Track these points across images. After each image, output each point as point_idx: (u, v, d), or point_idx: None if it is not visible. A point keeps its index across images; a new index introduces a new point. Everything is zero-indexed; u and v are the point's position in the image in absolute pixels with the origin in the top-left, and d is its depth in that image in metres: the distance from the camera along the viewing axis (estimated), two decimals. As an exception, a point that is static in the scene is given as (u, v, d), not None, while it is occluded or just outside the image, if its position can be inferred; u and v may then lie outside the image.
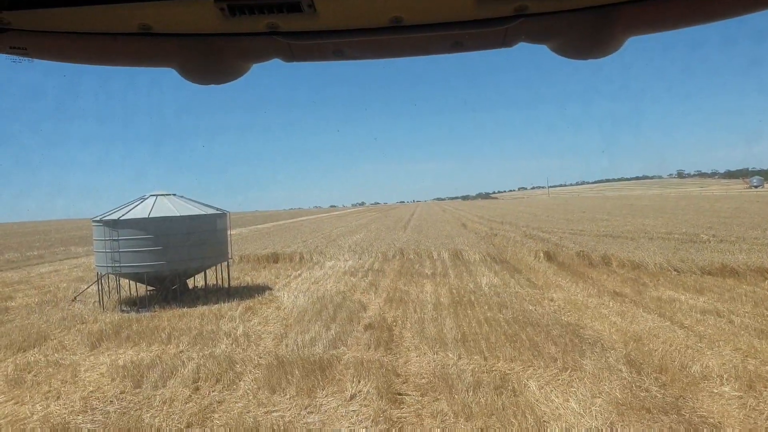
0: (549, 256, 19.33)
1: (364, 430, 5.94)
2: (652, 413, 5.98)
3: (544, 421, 5.92)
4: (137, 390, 7.52)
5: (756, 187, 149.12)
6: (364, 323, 10.71)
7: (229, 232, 15.75)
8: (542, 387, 6.90)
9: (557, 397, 6.57)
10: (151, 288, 15.05)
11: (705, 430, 5.56)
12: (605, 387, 6.80)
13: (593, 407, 6.20)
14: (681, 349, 8.13)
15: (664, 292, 12.60)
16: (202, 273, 15.92)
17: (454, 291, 13.87)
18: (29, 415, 6.76)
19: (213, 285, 16.10)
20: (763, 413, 5.83)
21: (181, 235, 13.97)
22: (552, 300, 12.34)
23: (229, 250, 15.88)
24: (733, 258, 15.39)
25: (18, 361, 9.08)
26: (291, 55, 0.95)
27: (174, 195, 15.19)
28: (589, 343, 8.69)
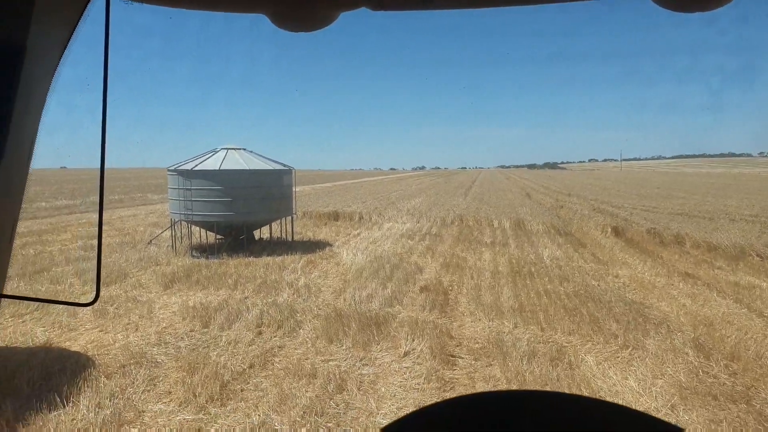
0: (617, 232, 18.63)
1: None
2: (719, 400, 5.74)
3: (600, 396, 5.81)
4: (205, 330, 7.97)
5: None
6: (420, 285, 10.78)
7: (294, 188, 16.11)
8: (600, 363, 6.75)
9: (615, 374, 6.41)
10: (220, 237, 15.72)
11: (775, 421, 5.29)
12: (669, 369, 6.57)
13: (654, 388, 6.02)
14: (758, 338, 7.69)
15: (743, 277, 11.89)
16: (268, 226, 16.43)
17: (514, 261, 13.67)
18: (112, 342, 7.32)
19: (277, 238, 16.62)
20: (843, 411, 5.47)
21: (249, 188, 14.41)
22: (617, 277, 11.95)
23: (293, 206, 16.28)
24: (823, 247, 14.28)
25: (101, 294, 9.80)
26: (379, 3, 0.93)
27: (244, 149, 15.62)
28: (654, 323, 8.38)
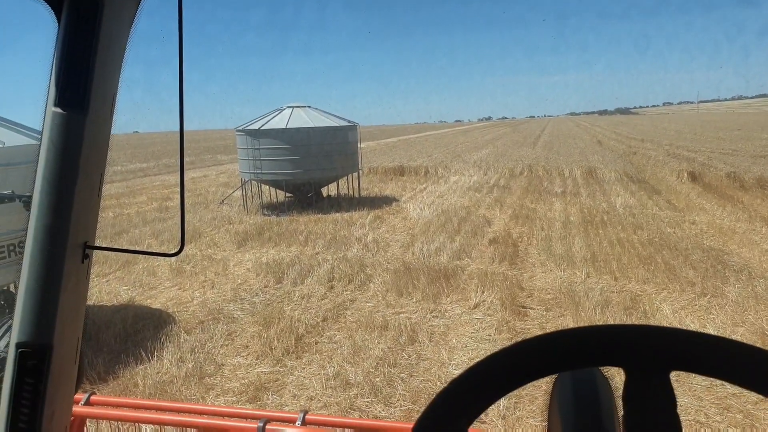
0: (693, 177, 17.63)
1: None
2: (806, 349, 5.49)
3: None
4: (278, 285, 8.37)
5: None
6: (489, 237, 10.76)
7: (359, 144, 16.24)
8: (677, 311, 6.59)
9: (693, 322, 6.25)
10: (289, 195, 16.21)
11: None
12: (750, 317, 6.32)
13: (734, 335, 5.82)
14: None
15: (837, 221, 11.06)
16: (335, 183, 16.75)
17: (585, 210, 13.30)
18: (190, 300, 7.85)
19: (344, 194, 16.94)
20: None
21: (315, 146, 14.66)
22: (693, 223, 11.41)
23: (359, 162, 16.45)
24: None
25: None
26: None
27: (309, 107, 15.83)
28: (734, 270, 8.01)
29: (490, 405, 0.59)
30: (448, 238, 10.63)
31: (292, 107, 15.54)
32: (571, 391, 0.63)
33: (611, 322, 6.25)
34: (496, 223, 12.32)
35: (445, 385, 0.60)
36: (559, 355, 0.57)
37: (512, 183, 18.96)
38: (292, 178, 14.88)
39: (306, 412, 2.03)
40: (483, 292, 7.46)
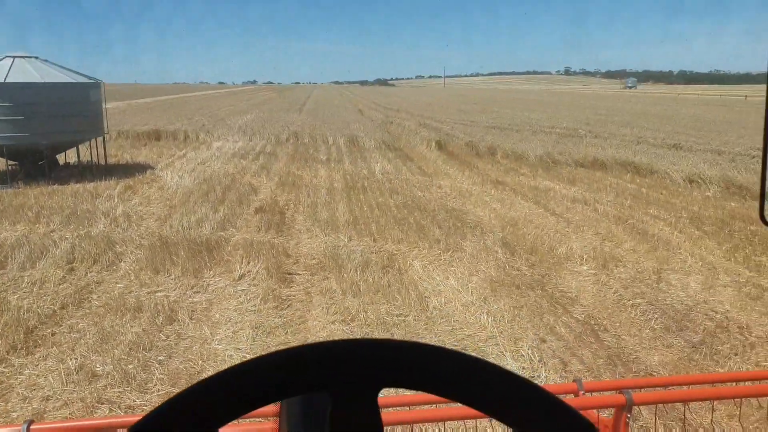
0: (440, 146, 19.85)
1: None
2: (521, 289, 6.60)
3: (426, 296, 6.33)
4: (1, 271, 6.96)
5: (630, 87, 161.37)
6: (255, 206, 10.53)
7: (104, 105, 14.29)
8: (426, 266, 7.32)
9: (438, 275, 7.01)
10: (13, 162, 13.55)
11: (563, 300, 6.27)
12: (482, 266, 7.35)
13: (470, 284, 6.71)
14: (551, 233, 8.91)
15: (542, 182, 13.55)
16: (75, 149, 14.52)
17: (348, 177, 13.93)
18: None
19: (87, 162, 14.81)
20: (612, 288, 6.66)
21: (47, 105, 12.45)
22: (440, 187, 12.84)
23: (105, 124, 14.52)
24: (603, 153, 16.76)
25: None
26: None
27: (37, 58, 13.30)
28: (471, 227, 9.24)
29: None
30: (211, 208, 10.09)
31: (14, 57, 12.88)
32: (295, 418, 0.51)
33: (370, 280, 6.66)
34: (262, 190, 12.12)
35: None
36: (250, 390, 0.43)
37: (279, 150, 18.87)
38: (15, 143, 12.44)
39: (30, 422, 1.72)
40: (248, 263, 7.27)
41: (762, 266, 7.43)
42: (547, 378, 4.67)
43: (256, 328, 5.57)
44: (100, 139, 14.37)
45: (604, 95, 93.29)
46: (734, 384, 2.77)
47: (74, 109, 13.01)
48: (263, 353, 0.45)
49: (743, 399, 3.07)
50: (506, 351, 5.13)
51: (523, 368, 4.85)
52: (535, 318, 5.83)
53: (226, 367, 0.44)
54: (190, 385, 0.43)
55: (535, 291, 6.56)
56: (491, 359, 4.72)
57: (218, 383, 0.43)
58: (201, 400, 0.43)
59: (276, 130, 23.73)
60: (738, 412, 3.56)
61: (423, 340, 5.64)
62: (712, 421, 3.58)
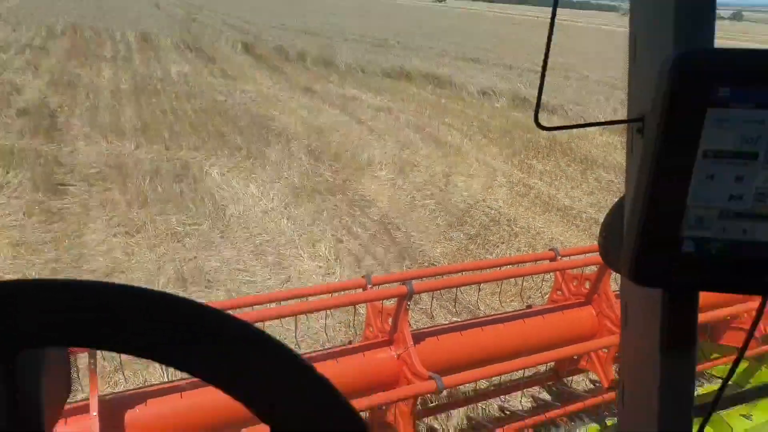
0: (247, 48, 18.63)
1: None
2: (323, 194, 6.66)
3: (223, 204, 6.05)
4: None
5: (440, 1, 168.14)
6: (18, 107, 8.88)
7: None
8: (224, 174, 6.95)
9: (238, 183, 6.72)
10: None
11: (361, 203, 6.48)
12: (285, 173, 7.21)
13: (272, 191, 6.56)
14: (354, 140, 9.05)
15: (350, 90, 13.57)
16: None
17: (138, 78, 12.39)
18: None
19: None
20: (406, 190, 7.06)
21: None
22: (244, 92, 12.13)
23: None
24: (409, 63, 17.28)
25: None
26: None
27: None
28: (276, 134, 8.96)
29: None
30: (-45, 110, 8.27)
31: None
32: None
33: (160, 190, 6.13)
34: (28, 90, 10.22)
35: None
36: None
37: (51, 44, 15.96)
38: None
39: None
40: (8, 173, 6.18)
41: (532, 168, 8.49)
42: (341, 275, 4.84)
43: (17, 245, 4.81)
44: None
45: (416, 6, 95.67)
46: (498, 269, 3.12)
47: None
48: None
49: (503, 280, 3.52)
50: (304, 253, 5.18)
51: (320, 267, 4.97)
52: (335, 221, 5.96)
53: None
54: None
55: (336, 196, 6.67)
56: (290, 261, 4.70)
57: None
58: None
59: (49, 20, 19.98)
60: (499, 290, 4.08)
61: (218, 248, 5.44)
62: (478, 299, 4.04)
